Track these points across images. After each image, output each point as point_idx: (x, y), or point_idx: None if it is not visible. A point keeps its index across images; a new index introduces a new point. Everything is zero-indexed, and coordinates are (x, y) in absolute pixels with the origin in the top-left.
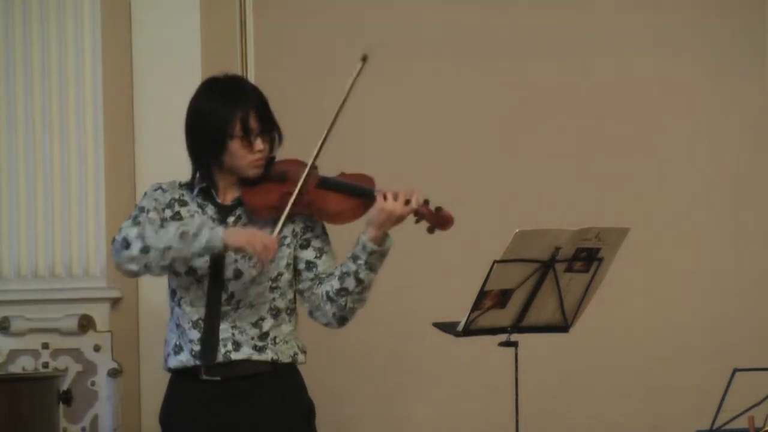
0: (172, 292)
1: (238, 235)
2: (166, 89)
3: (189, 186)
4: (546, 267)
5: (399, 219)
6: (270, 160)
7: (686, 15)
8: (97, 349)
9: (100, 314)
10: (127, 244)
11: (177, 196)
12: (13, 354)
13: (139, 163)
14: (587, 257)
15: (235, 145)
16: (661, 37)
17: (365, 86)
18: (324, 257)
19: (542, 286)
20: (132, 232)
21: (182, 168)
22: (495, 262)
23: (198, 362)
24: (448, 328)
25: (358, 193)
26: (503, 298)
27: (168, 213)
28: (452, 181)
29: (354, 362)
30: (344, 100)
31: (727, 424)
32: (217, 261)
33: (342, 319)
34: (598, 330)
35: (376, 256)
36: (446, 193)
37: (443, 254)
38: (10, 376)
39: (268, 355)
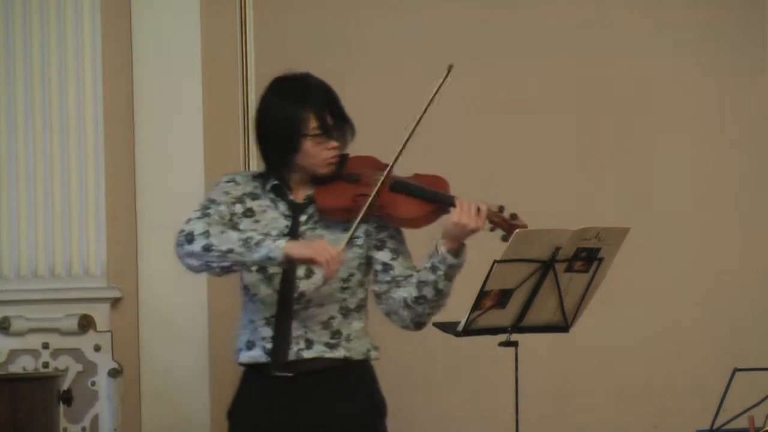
0: (245, 288)
1: (303, 246)
2: (166, 89)
3: (263, 177)
4: (546, 267)
5: (474, 231)
6: (343, 158)
7: (686, 14)
8: (97, 349)
9: (100, 314)
10: (190, 239)
11: (250, 189)
12: (13, 354)
13: (139, 163)
14: (587, 257)
15: (308, 144)
16: (662, 36)
17: (365, 86)
18: (400, 258)
19: (542, 286)
20: (198, 227)
21: (182, 168)
22: (495, 262)
23: (270, 360)
24: (448, 328)
25: (432, 199)
26: (503, 298)
27: (239, 208)
28: (452, 181)
29: None
30: (426, 108)
31: (727, 424)
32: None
33: (419, 324)
34: (598, 330)
35: (454, 268)
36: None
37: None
38: (10, 376)
39: (340, 353)
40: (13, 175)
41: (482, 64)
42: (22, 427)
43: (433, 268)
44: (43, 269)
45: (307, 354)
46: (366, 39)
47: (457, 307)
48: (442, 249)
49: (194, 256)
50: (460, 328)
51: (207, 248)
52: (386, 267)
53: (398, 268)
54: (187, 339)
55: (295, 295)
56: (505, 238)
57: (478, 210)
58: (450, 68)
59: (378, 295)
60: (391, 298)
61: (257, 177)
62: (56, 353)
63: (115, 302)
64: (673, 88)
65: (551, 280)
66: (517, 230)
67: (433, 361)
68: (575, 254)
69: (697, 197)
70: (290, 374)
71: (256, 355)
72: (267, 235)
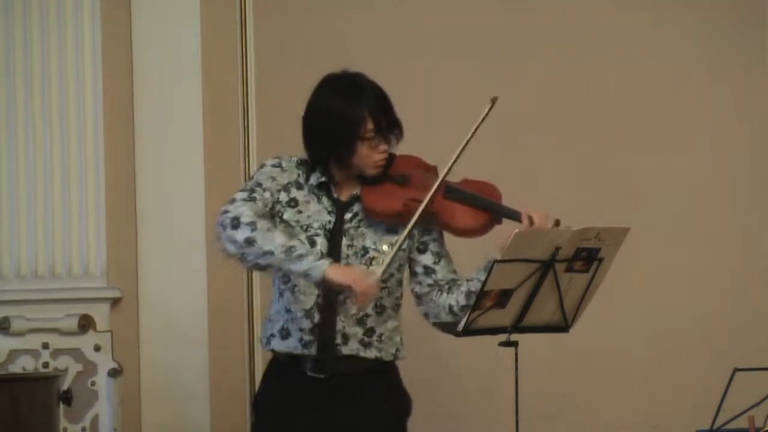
0: (285, 277)
1: (343, 272)
2: (166, 89)
3: (306, 166)
4: (546, 267)
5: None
6: (390, 157)
7: (686, 15)
8: (97, 349)
9: (100, 314)
10: (236, 224)
11: (294, 178)
12: (13, 354)
13: (139, 163)
14: (587, 257)
15: (364, 147)
16: (662, 37)
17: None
18: (442, 262)
19: (542, 286)
20: (246, 213)
21: (182, 168)
22: (495, 262)
23: (311, 352)
24: (448, 328)
25: (488, 208)
26: (503, 298)
27: (284, 197)
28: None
29: None
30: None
31: (727, 424)
32: (333, 252)
33: (456, 332)
34: (598, 330)
35: None
36: None
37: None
38: (10, 376)
39: (372, 353)
40: (13, 175)
41: (482, 64)
42: (22, 427)
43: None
44: (43, 269)
45: (344, 350)
46: (366, 39)
47: None
48: (493, 259)
49: (234, 244)
50: (460, 328)
51: (249, 242)
52: (428, 270)
53: (441, 272)
54: (187, 339)
55: (340, 296)
56: None
57: (555, 221)
58: (494, 100)
59: (418, 296)
60: (432, 301)
61: (301, 164)
62: (56, 353)
63: (115, 302)
64: (673, 88)
65: (551, 280)
66: (516, 230)
67: (434, 361)
68: (575, 254)
69: (697, 197)
70: (323, 376)
71: (292, 345)
72: (312, 244)
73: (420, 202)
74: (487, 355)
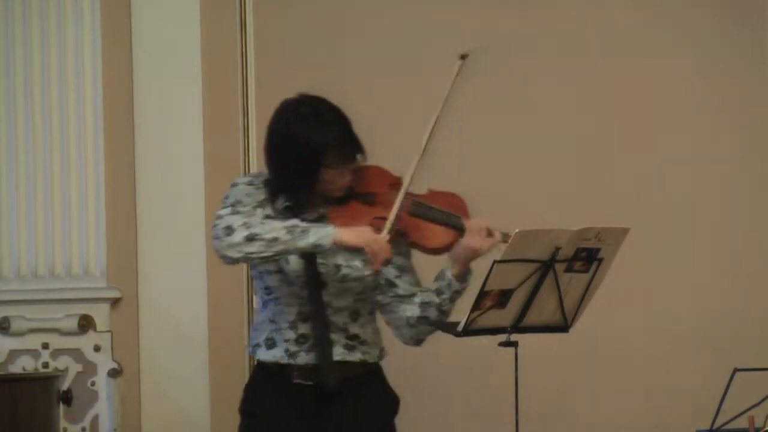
0: (266, 289)
1: (354, 234)
2: (166, 89)
3: (270, 187)
4: (546, 267)
5: (482, 254)
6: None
7: (686, 15)
8: (97, 349)
9: (100, 314)
10: (230, 231)
11: (264, 196)
12: (13, 354)
13: (139, 163)
14: (587, 257)
15: (329, 173)
16: (661, 37)
17: (366, 88)
18: (404, 276)
19: (542, 286)
20: (236, 220)
21: (182, 168)
22: (495, 262)
23: (294, 362)
24: (448, 328)
25: (453, 225)
26: (503, 298)
27: (260, 212)
28: (452, 181)
29: None
30: (443, 107)
31: (727, 424)
32: (308, 270)
33: (419, 341)
34: (598, 330)
35: (460, 293)
36: None
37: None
38: (10, 376)
39: (357, 356)
40: (13, 175)
41: (483, 64)
42: (22, 427)
43: (438, 292)
44: (43, 269)
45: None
46: (366, 40)
47: (457, 307)
48: (449, 274)
49: (235, 248)
50: (460, 328)
51: (250, 238)
52: (390, 284)
53: (402, 286)
54: (187, 339)
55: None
56: None
57: (489, 232)
58: (464, 56)
59: (381, 306)
60: (393, 312)
61: (267, 184)
62: (56, 353)
63: (115, 302)
64: (673, 88)
65: (551, 280)
66: (517, 230)
67: (433, 361)
68: (575, 254)
69: (697, 197)
70: (310, 383)
71: (278, 355)
72: (287, 261)
73: (385, 219)
74: (487, 355)
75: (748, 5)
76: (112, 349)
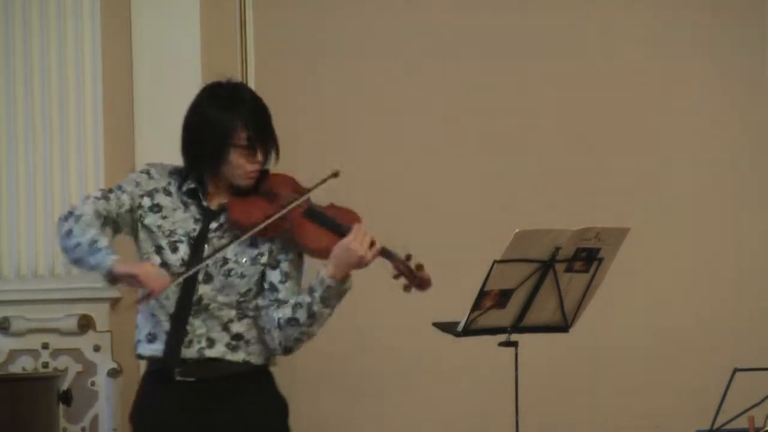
0: None
1: (131, 266)
2: (166, 89)
3: (179, 174)
4: (546, 267)
5: (360, 261)
6: (263, 173)
7: (687, 15)
8: (97, 349)
9: (100, 314)
10: (67, 217)
11: (163, 185)
12: (13, 354)
13: (139, 162)
14: (587, 257)
15: (235, 154)
16: (662, 36)
17: (365, 86)
18: (288, 283)
19: (542, 286)
20: (81, 208)
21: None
22: (495, 262)
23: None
24: (448, 328)
25: (339, 232)
26: (503, 298)
27: (146, 201)
28: (452, 181)
29: (354, 362)
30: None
31: (727, 424)
32: (194, 260)
33: (287, 350)
34: (598, 330)
35: (332, 292)
36: (446, 193)
37: (443, 254)
38: (10, 376)
39: (240, 356)
40: (13, 175)
41: (483, 64)
42: (22, 427)
43: (310, 290)
44: (43, 269)
45: (210, 353)
46: (366, 39)
47: (457, 307)
48: (323, 271)
49: (60, 238)
50: (460, 328)
51: (68, 233)
52: (273, 288)
53: (284, 292)
54: None
55: (194, 297)
56: (407, 288)
57: (373, 243)
58: (336, 174)
59: (258, 309)
60: (267, 315)
61: (174, 173)
62: (56, 353)
63: (115, 302)
64: (673, 90)
65: (551, 280)
66: (517, 230)
67: (433, 361)
68: (575, 254)
69: (697, 198)
70: (192, 379)
71: (158, 349)
72: (174, 250)
73: (284, 219)
74: (487, 355)
75: (748, 5)
76: (112, 349)
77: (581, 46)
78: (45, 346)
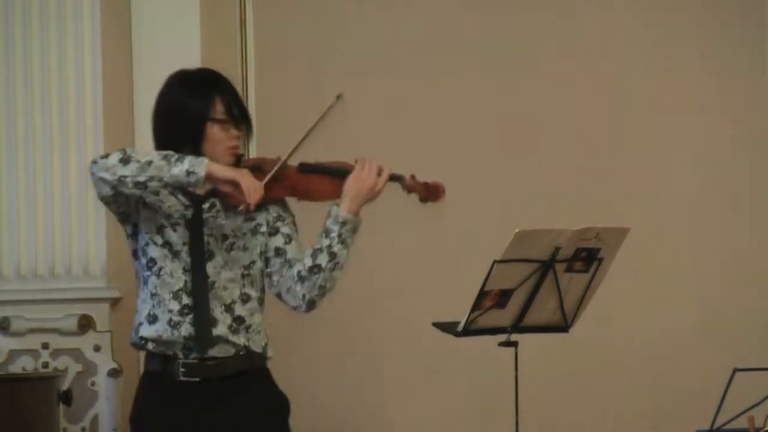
0: (150, 261)
1: (228, 168)
2: None
3: None
4: (546, 267)
5: (373, 188)
6: (238, 158)
7: (687, 15)
8: (97, 349)
9: (100, 314)
10: (106, 156)
11: None
12: (13, 354)
13: None
14: (587, 257)
15: (215, 129)
16: (662, 36)
17: (365, 86)
18: (293, 243)
19: (542, 286)
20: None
21: None
22: (495, 262)
23: (177, 333)
24: (448, 328)
25: (340, 173)
26: (503, 298)
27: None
28: (452, 181)
29: (354, 362)
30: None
31: (727, 424)
32: (195, 242)
33: (311, 303)
34: (598, 330)
35: (348, 228)
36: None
37: (443, 254)
38: (10, 376)
39: (241, 340)
40: (13, 175)
41: (484, 64)
42: (22, 427)
43: (327, 231)
44: (43, 269)
45: (214, 330)
46: (366, 39)
47: (457, 307)
48: (336, 208)
49: (109, 170)
50: (460, 328)
51: (125, 160)
52: (279, 251)
53: (291, 251)
54: None
55: (201, 276)
56: (423, 200)
57: (381, 170)
58: (339, 97)
59: (270, 276)
60: (282, 276)
61: None
62: (56, 353)
63: (114, 302)
64: (673, 89)
65: (551, 280)
66: (517, 230)
67: (434, 361)
68: (575, 254)
69: (697, 198)
70: (197, 379)
71: (161, 329)
72: (174, 230)
73: (273, 179)
74: (487, 355)
75: (748, 5)
76: (112, 349)
77: (581, 46)
78: (45, 346)
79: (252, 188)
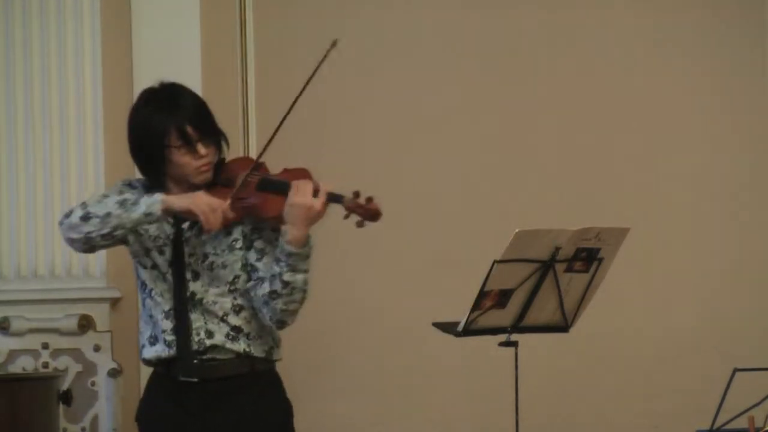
0: (142, 285)
1: (182, 199)
2: None
3: (148, 189)
4: (546, 267)
5: (310, 212)
6: (219, 163)
7: (687, 15)
8: (97, 349)
9: (100, 314)
10: (68, 214)
11: (139, 195)
12: (13, 354)
13: None
14: (587, 257)
15: (177, 155)
16: (662, 37)
17: (365, 86)
18: (265, 259)
19: (542, 286)
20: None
21: None
22: (495, 262)
23: (173, 352)
24: (448, 328)
25: (284, 191)
26: (503, 298)
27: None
28: (452, 181)
29: (354, 362)
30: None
31: (727, 424)
32: (177, 261)
33: (279, 323)
34: (598, 330)
35: (295, 258)
36: (446, 193)
37: (443, 254)
38: (10, 376)
39: (240, 346)
40: (13, 175)
41: (484, 64)
42: (22, 427)
43: (277, 260)
44: (43, 269)
45: (210, 341)
46: (366, 39)
47: (457, 307)
48: (281, 239)
49: (74, 229)
50: (460, 328)
51: (85, 217)
52: (253, 268)
53: (262, 269)
54: None
55: (188, 294)
56: (360, 224)
57: (317, 191)
58: (334, 43)
59: (247, 292)
60: (255, 295)
61: (145, 187)
62: (56, 353)
63: (114, 302)
64: (673, 88)
65: (551, 280)
66: (517, 230)
67: (433, 361)
68: (575, 254)
69: (697, 197)
70: (195, 379)
71: (160, 349)
72: (161, 253)
73: (241, 198)
74: (487, 355)
75: (747, 5)
76: (112, 349)
77: (581, 46)
78: (45, 346)
79: (209, 212)
